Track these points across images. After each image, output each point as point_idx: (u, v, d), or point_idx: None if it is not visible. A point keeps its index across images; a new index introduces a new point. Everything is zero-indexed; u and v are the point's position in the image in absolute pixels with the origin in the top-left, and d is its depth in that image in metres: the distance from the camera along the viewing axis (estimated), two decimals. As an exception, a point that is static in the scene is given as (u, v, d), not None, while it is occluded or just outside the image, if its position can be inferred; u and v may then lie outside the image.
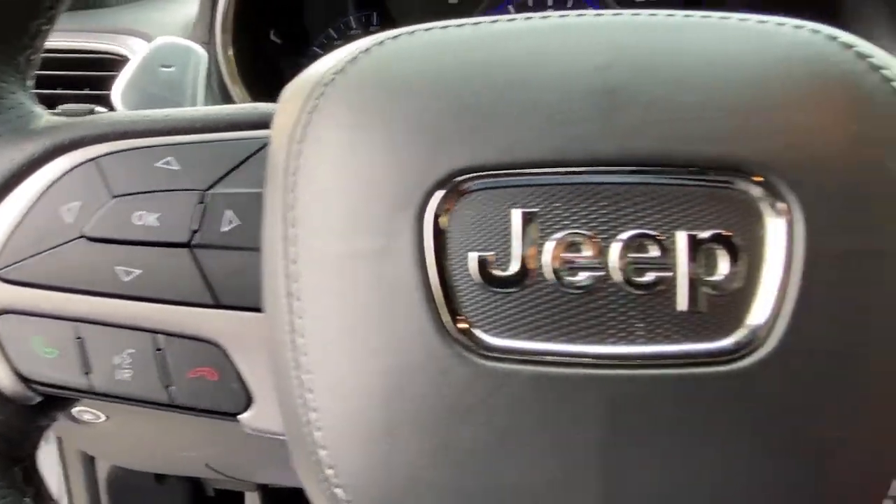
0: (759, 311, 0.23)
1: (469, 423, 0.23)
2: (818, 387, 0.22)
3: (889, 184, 0.23)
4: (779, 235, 0.23)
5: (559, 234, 0.23)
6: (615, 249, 0.23)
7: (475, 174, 0.24)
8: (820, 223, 0.22)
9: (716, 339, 0.23)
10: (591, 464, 0.22)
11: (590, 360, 0.23)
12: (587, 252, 0.23)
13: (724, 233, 0.23)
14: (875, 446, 0.23)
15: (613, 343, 0.23)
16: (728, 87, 0.23)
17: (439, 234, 0.24)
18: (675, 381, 0.22)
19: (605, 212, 0.23)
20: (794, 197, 0.22)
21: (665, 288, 0.23)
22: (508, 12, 0.83)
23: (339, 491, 0.24)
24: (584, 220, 0.23)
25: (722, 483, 0.22)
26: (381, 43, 0.26)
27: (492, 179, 0.24)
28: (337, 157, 0.24)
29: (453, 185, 0.24)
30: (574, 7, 0.83)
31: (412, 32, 0.26)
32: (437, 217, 0.24)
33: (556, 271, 0.23)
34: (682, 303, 0.23)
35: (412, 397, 0.23)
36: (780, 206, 0.23)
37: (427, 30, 0.26)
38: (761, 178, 0.23)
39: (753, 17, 0.26)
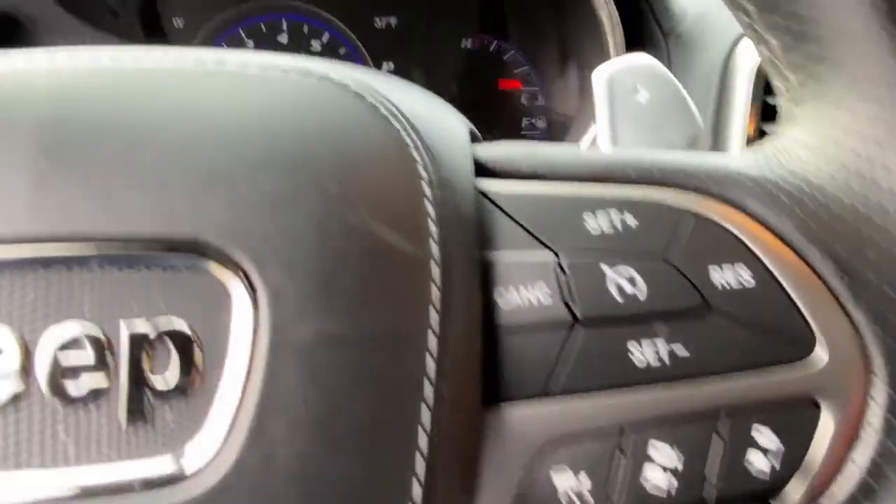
0: (216, 418, 0.19)
1: None
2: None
3: (363, 255, 0.20)
4: (244, 325, 0.19)
5: None
6: (43, 351, 0.19)
7: None
8: (287, 307, 0.19)
9: (163, 455, 0.19)
10: None
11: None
12: (10, 356, 0.18)
13: (178, 325, 0.19)
14: None
15: (37, 467, 0.19)
16: (194, 148, 0.20)
17: None
18: None
19: (33, 303, 0.19)
20: (259, 278, 0.19)
21: (103, 397, 0.19)
22: (241, 37, 0.80)
23: None
24: (6, 314, 0.19)
25: None
26: None
27: None
28: None
29: None
30: (328, 40, 0.80)
31: None
32: None
33: None
34: (122, 414, 0.19)
35: None
36: (245, 289, 0.19)
37: None
38: (224, 258, 0.19)
39: (256, 63, 0.22)
